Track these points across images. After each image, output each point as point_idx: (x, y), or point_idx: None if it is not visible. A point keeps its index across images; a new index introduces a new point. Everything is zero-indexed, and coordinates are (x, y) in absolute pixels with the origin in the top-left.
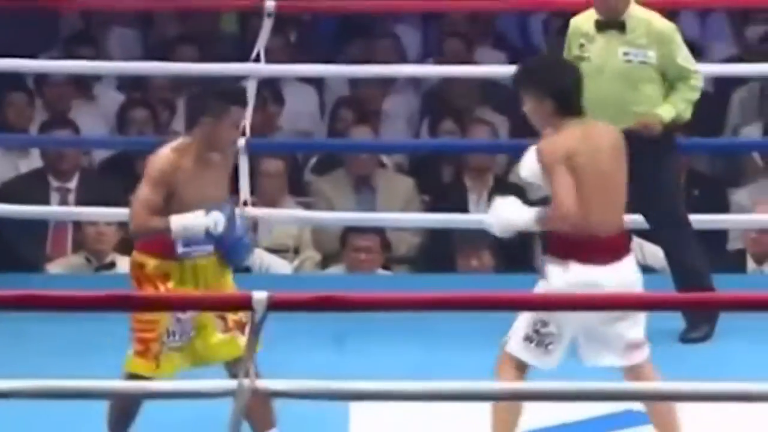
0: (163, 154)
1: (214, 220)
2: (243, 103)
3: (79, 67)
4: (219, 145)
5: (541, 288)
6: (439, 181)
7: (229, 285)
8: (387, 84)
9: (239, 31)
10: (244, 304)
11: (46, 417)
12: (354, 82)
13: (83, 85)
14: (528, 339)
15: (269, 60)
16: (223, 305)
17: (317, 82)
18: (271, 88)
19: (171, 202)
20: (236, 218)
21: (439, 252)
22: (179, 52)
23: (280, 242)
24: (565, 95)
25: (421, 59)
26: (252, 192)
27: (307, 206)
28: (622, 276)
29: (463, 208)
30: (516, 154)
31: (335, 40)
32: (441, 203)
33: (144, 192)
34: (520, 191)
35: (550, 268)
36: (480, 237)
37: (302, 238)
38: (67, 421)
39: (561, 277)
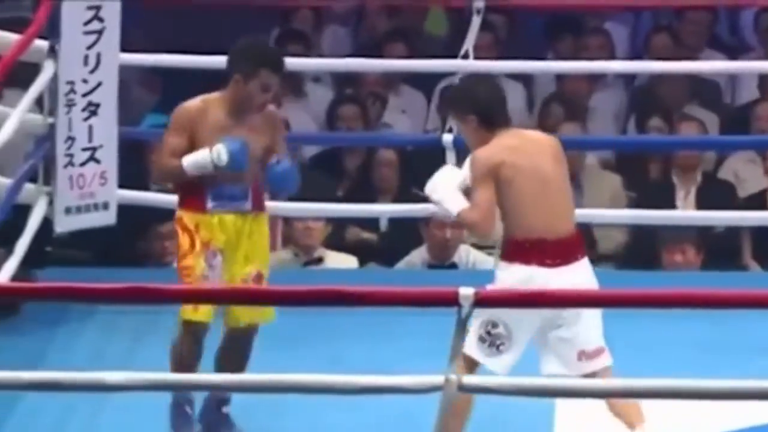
0: (192, 102)
1: (217, 151)
2: (274, 68)
3: (290, 64)
4: (247, 104)
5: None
6: (647, 178)
7: (253, 245)
8: (595, 81)
9: (447, 29)
10: (450, 299)
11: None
12: (562, 79)
13: (294, 82)
14: (481, 339)
15: (478, 57)
16: (428, 301)
17: (525, 79)
18: None
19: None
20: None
21: (645, 249)
22: (389, 49)
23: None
24: (485, 109)
25: (630, 55)
26: None
27: None
28: (570, 278)
29: (671, 206)
30: (725, 150)
31: (544, 37)
32: (648, 200)
33: (167, 138)
34: (729, 188)
35: (498, 271)
36: (687, 234)
37: None
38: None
39: (507, 279)
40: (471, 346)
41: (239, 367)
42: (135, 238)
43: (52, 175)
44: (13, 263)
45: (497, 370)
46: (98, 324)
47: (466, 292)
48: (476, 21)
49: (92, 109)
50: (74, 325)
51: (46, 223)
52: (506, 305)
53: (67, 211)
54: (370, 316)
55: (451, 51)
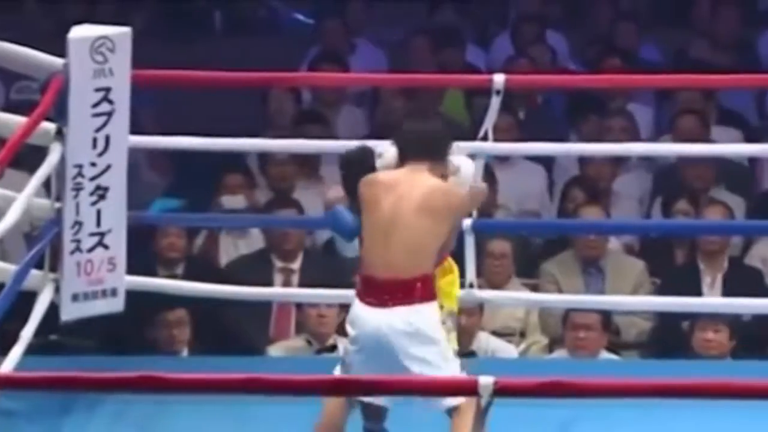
0: None
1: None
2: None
3: (305, 146)
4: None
5: None
6: (671, 264)
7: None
8: (618, 163)
9: (464, 110)
10: (469, 388)
11: None
12: (584, 161)
13: (309, 163)
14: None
15: (497, 139)
16: (447, 389)
17: (546, 161)
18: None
19: None
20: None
21: (670, 337)
22: None
23: (507, 325)
24: (401, 143)
25: (654, 137)
26: (478, 274)
27: (535, 288)
28: (382, 321)
29: (697, 292)
30: (752, 235)
31: (566, 118)
32: (673, 286)
33: None
34: (757, 274)
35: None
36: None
37: (529, 322)
38: None
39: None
40: None
41: None
42: (142, 325)
43: (59, 261)
44: (18, 351)
45: None
46: (106, 414)
47: (486, 381)
48: (495, 102)
49: (100, 193)
50: (81, 415)
51: (52, 311)
52: (528, 395)
53: (74, 298)
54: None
55: (470, 133)
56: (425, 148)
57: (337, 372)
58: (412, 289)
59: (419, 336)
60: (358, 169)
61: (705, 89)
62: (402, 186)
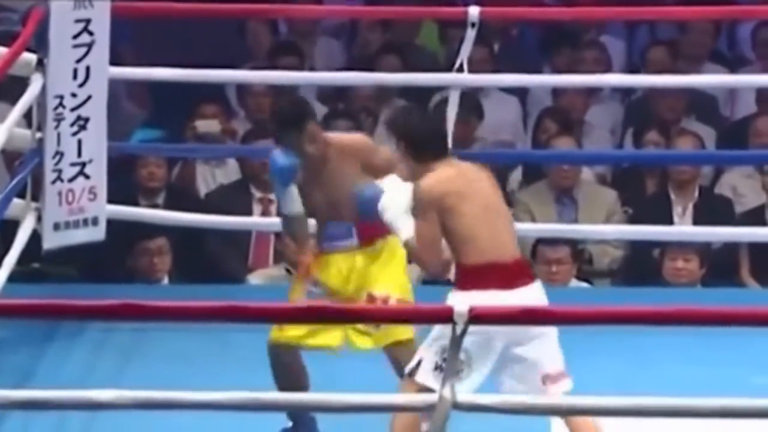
0: None
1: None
2: (315, 116)
3: (282, 78)
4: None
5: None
6: (643, 193)
7: (379, 275)
8: (591, 94)
9: (439, 42)
10: (445, 316)
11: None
12: (557, 93)
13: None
14: (437, 368)
15: (472, 70)
16: (423, 318)
17: (520, 93)
18: (471, 100)
19: None
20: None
21: (642, 265)
22: (382, 63)
23: None
24: (423, 141)
25: (626, 69)
26: None
27: None
28: (527, 300)
29: (668, 221)
30: (722, 165)
31: (539, 50)
32: (644, 215)
33: None
34: (726, 203)
35: (451, 298)
36: (691, 244)
37: None
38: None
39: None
40: (426, 374)
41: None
42: (123, 253)
43: (41, 190)
44: (1, 279)
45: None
46: (88, 341)
47: (461, 309)
48: (471, 34)
49: (81, 124)
50: (63, 343)
51: (34, 239)
52: (502, 322)
53: (56, 227)
54: None
55: (445, 64)
56: (444, 142)
57: (434, 376)
58: (530, 266)
59: None
60: (293, 123)
61: (676, 21)
62: (463, 177)
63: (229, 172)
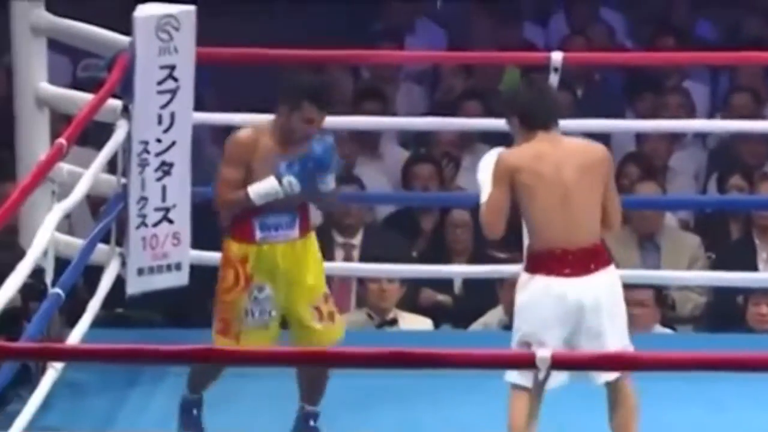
0: (243, 133)
1: (288, 183)
2: (317, 102)
3: (365, 123)
4: (291, 135)
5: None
6: (727, 239)
7: (312, 269)
8: (674, 139)
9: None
10: (528, 361)
11: None
12: (641, 138)
13: (370, 141)
14: None
15: None
16: (507, 363)
17: (603, 138)
18: None
19: (251, 180)
20: (311, 164)
21: (725, 311)
22: (464, 108)
23: None
24: (526, 111)
25: (710, 114)
26: None
27: None
28: (588, 289)
29: (752, 266)
30: None
31: (623, 95)
32: (728, 261)
33: (223, 170)
34: None
35: (520, 281)
36: None
37: None
38: None
39: (525, 288)
40: (513, 374)
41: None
42: (206, 298)
43: (125, 235)
44: (85, 324)
45: (529, 385)
46: (170, 386)
47: (543, 354)
48: (554, 79)
49: (165, 169)
50: (146, 388)
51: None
52: (584, 368)
53: (140, 272)
54: (444, 379)
55: None
56: (552, 112)
57: (518, 372)
58: (603, 252)
59: (615, 296)
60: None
61: (759, 66)
62: (548, 158)
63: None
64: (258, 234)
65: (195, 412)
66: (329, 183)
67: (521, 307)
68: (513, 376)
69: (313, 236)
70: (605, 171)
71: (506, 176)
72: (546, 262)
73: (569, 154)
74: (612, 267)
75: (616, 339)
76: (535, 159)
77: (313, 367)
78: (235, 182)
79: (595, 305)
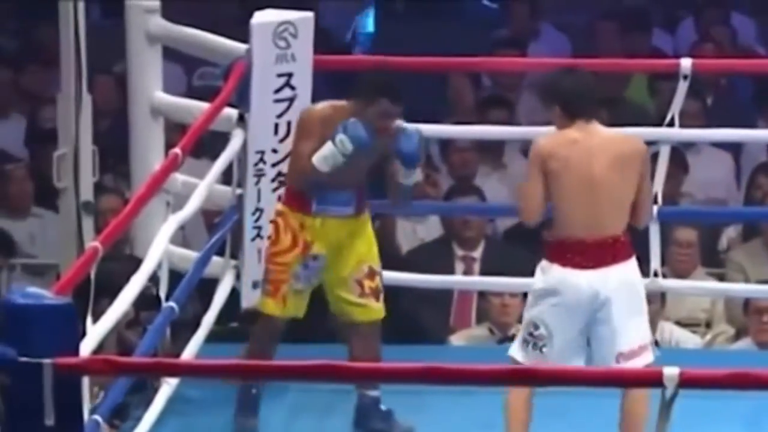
0: (320, 107)
1: (340, 141)
2: (393, 96)
3: (488, 133)
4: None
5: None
6: None
7: (361, 245)
8: None
9: (648, 95)
10: (655, 380)
11: None
12: None
13: (491, 150)
14: (524, 341)
15: (683, 125)
16: (632, 382)
17: (734, 148)
18: (676, 154)
19: None
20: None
21: None
22: None
23: (692, 316)
24: (566, 100)
25: None
26: (663, 262)
27: (721, 278)
28: (603, 281)
29: None
30: None
31: (754, 104)
32: None
33: (297, 143)
34: None
35: (539, 266)
36: None
37: (715, 312)
38: None
39: (541, 278)
40: (515, 348)
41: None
42: (324, 313)
43: (240, 247)
44: (199, 338)
45: (528, 363)
46: (287, 402)
47: (671, 372)
48: (683, 87)
49: (282, 180)
50: (263, 403)
51: (233, 297)
52: (714, 387)
53: (255, 285)
54: (561, 397)
55: (655, 118)
56: (590, 102)
57: (522, 349)
58: (624, 245)
59: (632, 290)
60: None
61: None
62: (579, 146)
63: (430, 228)
64: (314, 206)
65: (254, 391)
66: (413, 176)
67: (536, 293)
68: (514, 350)
69: (367, 216)
70: (640, 165)
71: (539, 162)
72: (563, 252)
73: (603, 145)
74: (633, 261)
75: (633, 334)
76: (567, 146)
77: (367, 351)
78: (309, 155)
79: (608, 298)
